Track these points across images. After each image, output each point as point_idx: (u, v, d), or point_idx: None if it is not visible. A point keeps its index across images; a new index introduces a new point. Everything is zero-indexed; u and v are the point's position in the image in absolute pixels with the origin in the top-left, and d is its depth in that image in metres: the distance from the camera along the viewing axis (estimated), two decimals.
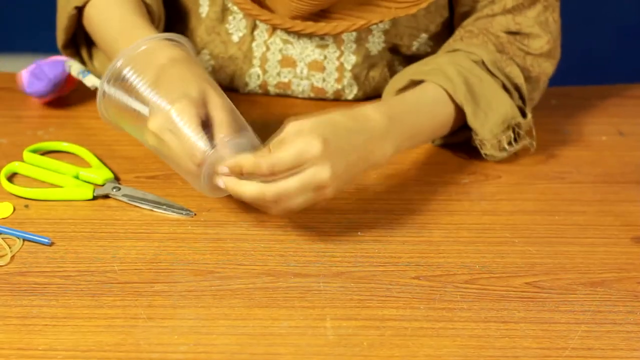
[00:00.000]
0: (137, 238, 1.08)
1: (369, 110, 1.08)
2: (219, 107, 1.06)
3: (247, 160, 1.02)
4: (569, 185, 1.21)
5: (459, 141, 1.23)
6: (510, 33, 1.23)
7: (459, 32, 1.25)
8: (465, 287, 1.03)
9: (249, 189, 1.02)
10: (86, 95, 1.30)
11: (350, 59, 1.28)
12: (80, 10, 1.25)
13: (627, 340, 0.98)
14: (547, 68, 1.25)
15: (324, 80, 1.30)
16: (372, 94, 1.32)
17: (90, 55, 1.32)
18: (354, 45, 1.27)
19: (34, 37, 2.34)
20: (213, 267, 1.04)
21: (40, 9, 2.36)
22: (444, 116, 1.17)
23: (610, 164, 1.25)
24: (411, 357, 0.95)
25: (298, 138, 1.01)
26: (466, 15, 1.27)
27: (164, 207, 1.12)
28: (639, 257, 1.09)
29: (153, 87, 1.07)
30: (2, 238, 1.07)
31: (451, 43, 1.25)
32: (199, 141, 1.03)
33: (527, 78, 1.22)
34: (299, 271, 1.04)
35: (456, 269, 1.06)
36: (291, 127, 1.03)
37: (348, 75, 1.29)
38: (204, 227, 1.09)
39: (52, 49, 1.34)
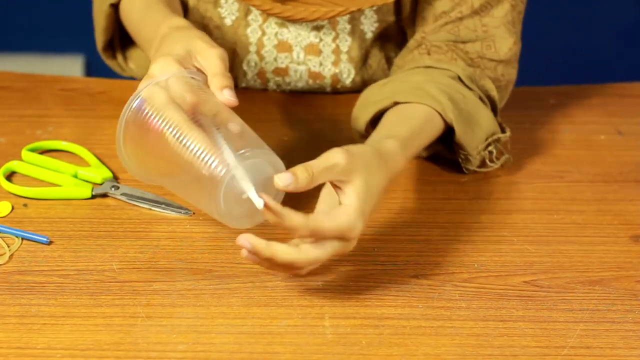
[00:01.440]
0: (136, 237, 1.08)
1: (394, 149, 1.04)
2: (211, 56, 1.02)
3: (294, 218, 0.93)
4: (567, 184, 1.20)
5: (427, 155, 1.21)
6: (477, 40, 1.21)
7: (424, 45, 1.22)
8: (464, 285, 1.03)
9: (283, 253, 0.95)
10: (85, 94, 1.30)
11: (346, 41, 1.28)
12: (117, 8, 1.26)
13: (625, 338, 0.98)
14: (513, 75, 1.24)
15: (320, 64, 1.30)
16: (370, 83, 1.32)
17: (125, 58, 1.33)
18: (348, 27, 1.27)
19: (34, 37, 2.34)
20: (211, 266, 1.04)
21: (40, 9, 2.36)
22: (434, 134, 1.15)
23: (609, 163, 1.25)
24: (410, 355, 0.95)
25: (345, 215, 0.95)
26: (428, 16, 1.23)
27: (163, 205, 1.12)
28: (637, 255, 1.09)
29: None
30: (1, 237, 1.07)
31: (417, 57, 1.22)
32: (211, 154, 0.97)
33: (498, 88, 1.22)
34: None
35: (454, 268, 1.06)
36: (342, 170, 0.96)
37: (344, 57, 1.29)
38: (203, 226, 1.09)
39: (52, 49, 1.35)
